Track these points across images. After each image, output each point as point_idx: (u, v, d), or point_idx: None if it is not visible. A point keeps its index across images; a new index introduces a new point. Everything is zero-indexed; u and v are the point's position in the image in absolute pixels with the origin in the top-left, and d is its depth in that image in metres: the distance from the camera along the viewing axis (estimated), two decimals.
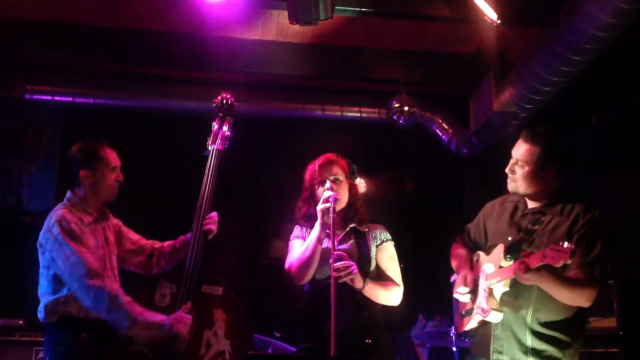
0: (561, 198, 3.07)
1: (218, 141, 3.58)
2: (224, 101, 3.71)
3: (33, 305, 3.34)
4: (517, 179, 3.09)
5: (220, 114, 3.68)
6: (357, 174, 3.52)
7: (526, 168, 3.06)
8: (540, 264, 2.66)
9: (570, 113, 5.49)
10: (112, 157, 3.47)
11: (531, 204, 3.14)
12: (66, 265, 3.18)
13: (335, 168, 3.38)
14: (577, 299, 2.86)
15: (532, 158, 3.05)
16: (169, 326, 3.11)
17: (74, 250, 3.18)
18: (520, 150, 3.09)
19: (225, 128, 3.63)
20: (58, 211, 3.33)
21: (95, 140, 3.47)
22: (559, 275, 2.80)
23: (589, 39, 4.42)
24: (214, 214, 3.51)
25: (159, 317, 3.15)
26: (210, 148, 3.57)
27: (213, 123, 3.65)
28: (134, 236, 3.65)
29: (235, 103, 3.74)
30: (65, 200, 3.43)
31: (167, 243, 3.63)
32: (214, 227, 3.47)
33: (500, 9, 4.44)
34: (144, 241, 3.65)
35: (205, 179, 3.50)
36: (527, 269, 2.71)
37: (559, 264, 2.63)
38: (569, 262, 2.61)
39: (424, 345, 5.91)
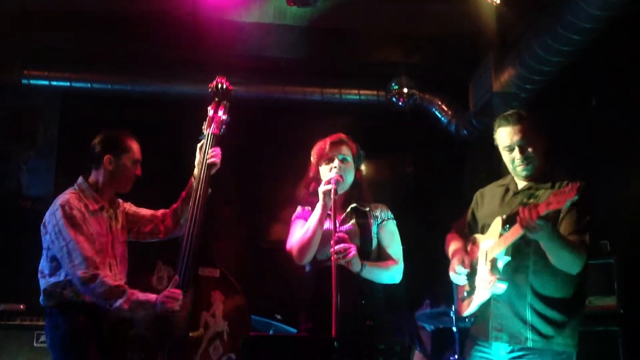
0: (550, 177, 3.10)
1: (213, 125, 3.57)
2: (219, 85, 3.68)
3: (33, 290, 3.35)
4: (532, 159, 3.07)
5: (216, 99, 3.66)
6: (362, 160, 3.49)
7: (531, 148, 3.07)
8: (547, 210, 2.67)
9: (570, 94, 5.46)
10: (137, 150, 3.52)
11: (521, 185, 3.15)
12: (63, 250, 3.20)
13: (345, 148, 3.35)
14: (573, 262, 2.87)
15: (528, 134, 3.06)
16: (160, 304, 3.12)
17: (71, 237, 3.20)
18: (513, 135, 3.07)
19: (220, 113, 3.61)
20: (65, 195, 3.35)
21: (123, 131, 3.52)
22: (561, 233, 2.86)
23: (589, 18, 4.40)
24: (217, 149, 3.53)
25: (149, 296, 3.16)
26: (205, 132, 3.57)
27: (208, 108, 3.64)
28: (147, 212, 3.67)
29: (231, 87, 3.71)
30: (75, 185, 3.44)
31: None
32: (217, 160, 3.49)
33: None
34: (156, 212, 3.68)
35: (200, 163, 3.49)
36: (538, 215, 2.69)
37: (566, 205, 2.63)
38: (576, 198, 2.59)
39: (423, 328, 5.91)
